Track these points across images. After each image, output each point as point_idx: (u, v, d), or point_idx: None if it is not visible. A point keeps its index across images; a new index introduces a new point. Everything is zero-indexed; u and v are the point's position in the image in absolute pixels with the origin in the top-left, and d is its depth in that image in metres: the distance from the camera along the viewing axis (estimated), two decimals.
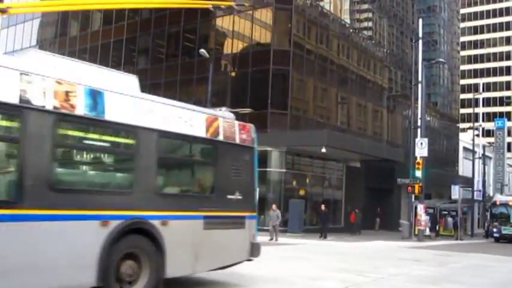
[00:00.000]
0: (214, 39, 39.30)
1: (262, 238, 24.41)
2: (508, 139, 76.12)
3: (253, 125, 10.89)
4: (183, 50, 40.64)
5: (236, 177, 9.86)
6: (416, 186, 31.98)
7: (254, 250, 9.86)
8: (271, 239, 25.13)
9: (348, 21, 44.82)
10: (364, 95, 44.67)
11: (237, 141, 9.89)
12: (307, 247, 22.15)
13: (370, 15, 48.46)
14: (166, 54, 42.02)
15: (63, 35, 49.43)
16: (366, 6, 48.15)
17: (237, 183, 9.80)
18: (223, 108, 10.70)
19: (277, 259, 15.18)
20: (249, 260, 9.88)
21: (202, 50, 30.78)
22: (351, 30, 44.53)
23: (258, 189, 10.71)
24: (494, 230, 36.60)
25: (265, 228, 32.13)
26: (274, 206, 27.03)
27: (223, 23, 38.70)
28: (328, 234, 30.09)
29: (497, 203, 38.44)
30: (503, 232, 36.02)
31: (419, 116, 34.88)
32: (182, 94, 39.80)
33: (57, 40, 50.07)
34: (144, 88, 36.25)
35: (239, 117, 37.85)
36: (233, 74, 39.01)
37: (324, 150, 32.27)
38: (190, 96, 39.29)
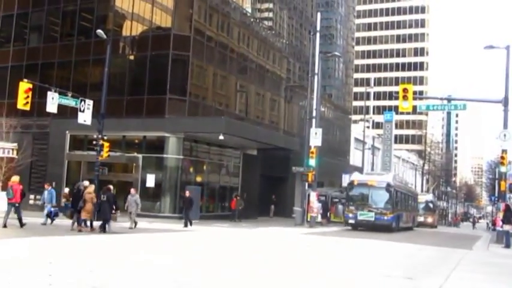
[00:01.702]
0: (113, 20, 38.06)
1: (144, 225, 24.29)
2: (395, 131, 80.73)
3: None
4: (79, 29, 38.95)
5: None
6: (310, 175, 33.13)
7: None
8: (131, 227, 23.23)
9: (250, 10, 45.26)
10: (263, 84, 45.42)
11: None
12: (160, 236, 20.75)
13: (271, 5, 49.24)
14: (61, 33, 40.06)
15: None
16: None
17: None
18: None
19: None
20: None
21: (99, 31, 29.72)
22: (252, 20, 45.00)
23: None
24: (350, 215, 31.18)
25: (160, 215, 32.05)
26: (132, 191, 25.24)
27: (122, 3, 37.54)
28: (214, 222, 30.42)
29: (355, 183, 32.38)
30: (360, 218, 30.69)
31: (314, 106, 36.04)
32: (77, 75, 38.34)
33: None
34: (35, 67, 34.69)
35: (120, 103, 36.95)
36: (132, 57, 38.08)
37: (221, 137, 32.53)
38: (85, 78, 37.97)
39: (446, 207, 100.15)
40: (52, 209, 23.52)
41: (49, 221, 23.48)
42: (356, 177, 33.59)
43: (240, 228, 28.36)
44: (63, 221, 23.79)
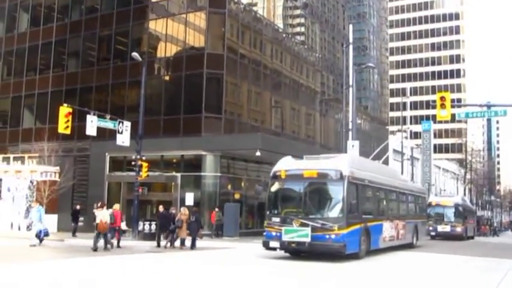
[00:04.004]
0: (147, 42, 38.79)
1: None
2: (434, 141, 79.37)
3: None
4: (115, 53, 39.85)
5: None
6: None
7: None
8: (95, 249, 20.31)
9: (281, 26, 45.43)
10: (298, 99, 45.36)
11: None
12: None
13: (303, 20, 49.33)
14: (98, 58, 41.07)
15: None
16: (298, 11, 48.97)
17: None
18: None
19: None
20: None
21: (134, 54, 30.33)
22: (284, 35, 45.14)
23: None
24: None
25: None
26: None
27: (156, 26, 38.28)
28: (253, 238, 28.47)
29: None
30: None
31: (350, 119, 35.75)
32: (114, 98, 39.14)
33: None
34: (74, 92, 35.47)
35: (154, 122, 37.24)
36: (167, 78, 38.64)
37: (258, 153, 32.48)
38: (122, 100, 38.69)
39: (491, 217, 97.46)
40: (42, 229, 22.58)
41: (37, 241, 22.40)
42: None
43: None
44: (50, 241, 23.76)
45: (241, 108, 37.98)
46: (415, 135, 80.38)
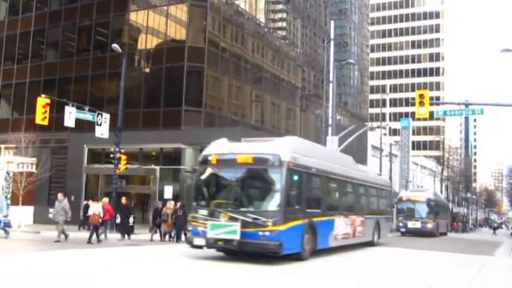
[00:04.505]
0: (128, 34, 38.45)
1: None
2: (412, 138, 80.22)
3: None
4: (95, 44, 39.43)
5: None
6: None
7: None
8: (57, 241, 20.18)
9: (263, 20, 45.44)
10: (278, 94, 45.45)
11: None
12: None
13: (285, 15, 49.42)
14: (77, 48, 40.57)
15: None
16: (280, 6, 49.03)
17: None
18: None
19: None
20: None
21: (115, 45, 30.03)
22: (266, 30, 45.14)
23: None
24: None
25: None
26: (59, 195, 21.78)
27: (137, 17, 37.96)
28: None
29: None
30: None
31: (330, 115, 35.95)
32: (94, 89, 38.76)
33: None
34: (53, 82, 35.10)
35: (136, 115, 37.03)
36: (147, 70, 38.40)
37: None
38: (102, 92, 38.34)
39: (467, 213, 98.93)
40: (3, 219, 22.24)
41: (3, 233, 21.93)
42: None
43: None
44: (24, 234, 23.72)
45: (222, 102, 37.92)
46: (394, 132, 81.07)
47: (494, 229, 76.34)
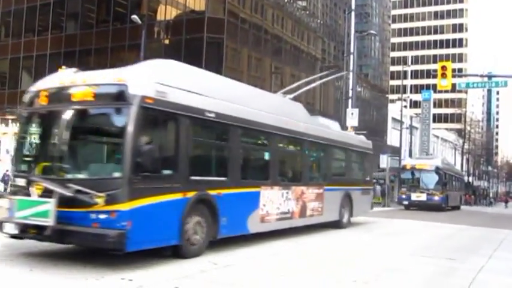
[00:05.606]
0: (147, 5, 38.33)
1: None
2: (434, 110, 79.27)
3: None
4: (114, 15, 39.41)
5: None
6: None
7: None
8: None
9: None
10: (298, 65, 45.09)
11: None
12: None
13: None
14: (97, 20, 40.61)
15: None
16: None
17: None
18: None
19: None
20: None
21: (134, 16, 29.97)
22: (286, 0, 44.59)
23: None
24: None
25: None
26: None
27: None
28: None
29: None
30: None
31: (350, 86, 35.64)
32: (113, 61, 38.79)
33: None
34: (73, 54, 35.22)
35: None
36: (166, 41, 38.31)
37: None
38: (121, 63, 38.41)
39: (487, 187, 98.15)
40: None
41: None
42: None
43: None
44: None
45: (241, 74, 37.75)
46: (415, 104, 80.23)
47: (506, 202, 75.36)
